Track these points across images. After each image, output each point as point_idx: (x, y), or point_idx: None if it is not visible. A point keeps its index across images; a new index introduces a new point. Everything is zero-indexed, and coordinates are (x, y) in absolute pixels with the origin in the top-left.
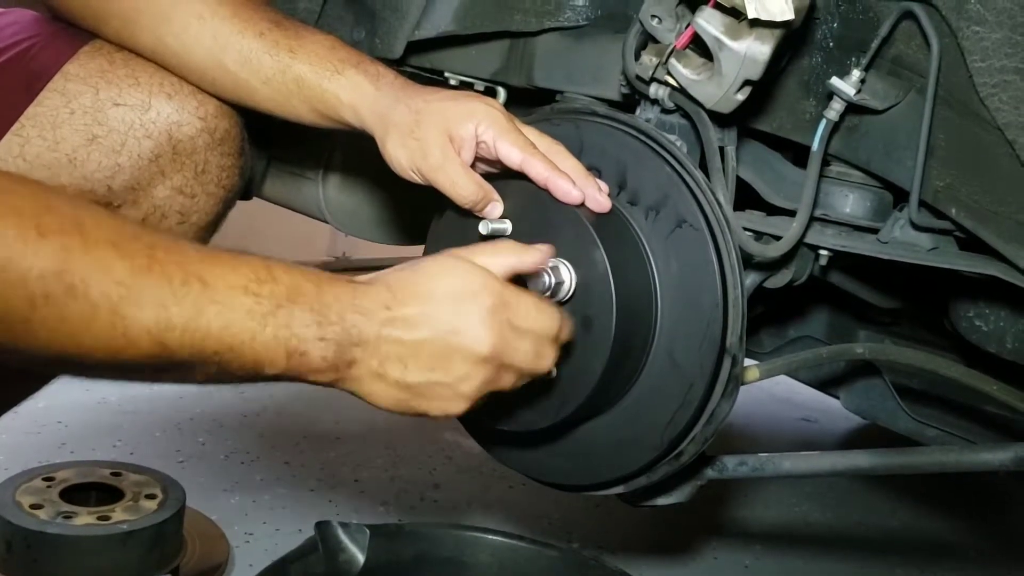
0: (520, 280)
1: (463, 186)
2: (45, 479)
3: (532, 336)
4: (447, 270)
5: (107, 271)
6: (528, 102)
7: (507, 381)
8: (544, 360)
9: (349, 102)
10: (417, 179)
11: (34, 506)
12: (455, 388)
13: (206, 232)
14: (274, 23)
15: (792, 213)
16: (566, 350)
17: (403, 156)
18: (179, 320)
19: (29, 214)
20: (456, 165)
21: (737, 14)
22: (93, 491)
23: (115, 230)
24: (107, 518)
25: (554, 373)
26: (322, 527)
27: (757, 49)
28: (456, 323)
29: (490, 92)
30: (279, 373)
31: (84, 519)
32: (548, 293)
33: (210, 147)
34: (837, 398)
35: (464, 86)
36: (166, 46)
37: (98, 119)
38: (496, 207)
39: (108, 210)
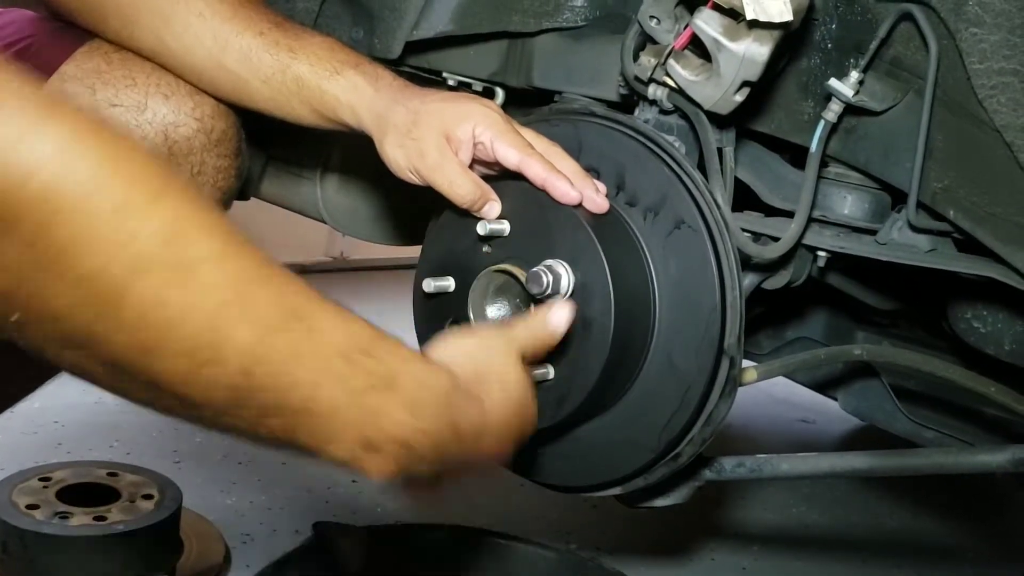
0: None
1: (461, 185)
2: (41, 479)
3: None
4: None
5: (218, 262)
6: (526, 103)
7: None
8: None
9: (348, 103)
10: (415, 180)
11: (30, 506)
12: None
13: None
14: (274, 23)
15: (790, 214)
16: (565, 351)
17: (401, 157)
18: (277, 356)
19: (143, 179)
20: (454, 165)
21: (736, 15)
22: (89, 491)
23: (227, 225)
24: (103, 518)
25: (551, 375)
26: (320, 528)
27: (755, 50)
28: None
29: (488, 92)
30: (339, 457)
31: (80, 519)
32: (546, 293)
33: (207, 148)
34: (835, 399)
35: (462, 86)
36: (166, 46)
37: None
38: (494, 207)
39: None
